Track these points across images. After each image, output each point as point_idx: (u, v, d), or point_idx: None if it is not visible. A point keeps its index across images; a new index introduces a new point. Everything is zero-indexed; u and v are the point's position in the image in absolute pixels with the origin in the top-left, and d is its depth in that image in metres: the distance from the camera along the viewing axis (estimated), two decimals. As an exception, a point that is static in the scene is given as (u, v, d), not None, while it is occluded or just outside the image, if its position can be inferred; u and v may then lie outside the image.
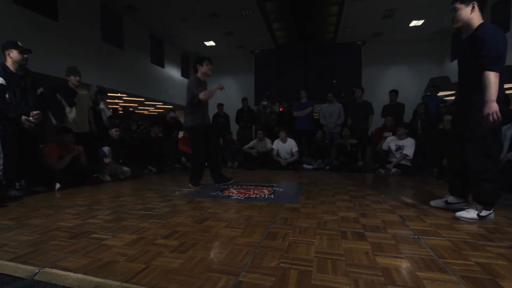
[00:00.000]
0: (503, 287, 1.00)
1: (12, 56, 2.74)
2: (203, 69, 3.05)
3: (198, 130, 3.07)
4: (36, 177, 3.00)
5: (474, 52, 1.82)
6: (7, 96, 2.69)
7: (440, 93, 5.47)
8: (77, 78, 3.62)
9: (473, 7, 1.86)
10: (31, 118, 2.76)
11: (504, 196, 2.63)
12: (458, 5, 1.90)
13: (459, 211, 1.91)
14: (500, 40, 1.75)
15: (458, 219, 1.86)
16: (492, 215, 1.85)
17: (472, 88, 1.87)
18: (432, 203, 2.25)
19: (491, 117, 1.67)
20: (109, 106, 5.29)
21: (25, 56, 2.78)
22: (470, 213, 1.85)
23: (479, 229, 1.65)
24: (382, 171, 4.44)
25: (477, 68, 1.79)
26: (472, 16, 1.87)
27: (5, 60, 2.76)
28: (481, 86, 1.76)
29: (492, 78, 1.70)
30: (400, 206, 2.26)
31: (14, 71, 2.77)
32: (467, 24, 1.90)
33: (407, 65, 8.73)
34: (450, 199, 2.15)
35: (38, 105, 2.91)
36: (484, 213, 1.83)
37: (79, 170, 3.35)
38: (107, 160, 3.71)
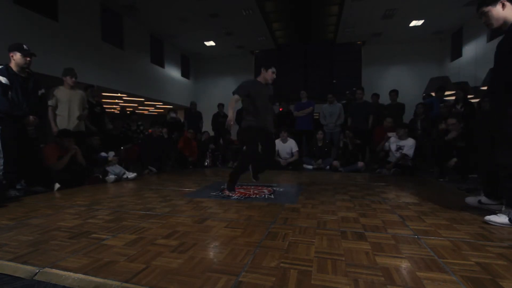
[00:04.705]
0: (503, 287, 1.00)
1: (15, 59, 2.77)
2: (266, 74, 3.05)
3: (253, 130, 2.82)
4: (36, 177, 3.01)
5: None
6: (10, 95, 2.73)
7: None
8: (73, 79, 3.62)
9: (503, 5, 1.76)
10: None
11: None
12: (485, 9, 1.81)
13: (489, 214, 1.82)
14: None
15: (487, 223, 1.76)
16: None
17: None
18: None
19: None
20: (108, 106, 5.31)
21: (28, 59, 2.81)
22: (501, 218, 1.74)
23: (479, 229, 1.65)
24: (381, 171, 4.44)
25: None
26: (506, 12, 1.76)
27: (9, 61, 2.80)
28: None
29: None
30: (400, 206, 2.26)
31: (17, 72, 2.80)
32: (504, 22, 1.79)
33: (407, 65, 8.72)
34: (484, 199, 2.09)
35: (39, 106, 2.97)
36: None
37: (78, 169, 3.34)
38: (111, 158, 3.74)
